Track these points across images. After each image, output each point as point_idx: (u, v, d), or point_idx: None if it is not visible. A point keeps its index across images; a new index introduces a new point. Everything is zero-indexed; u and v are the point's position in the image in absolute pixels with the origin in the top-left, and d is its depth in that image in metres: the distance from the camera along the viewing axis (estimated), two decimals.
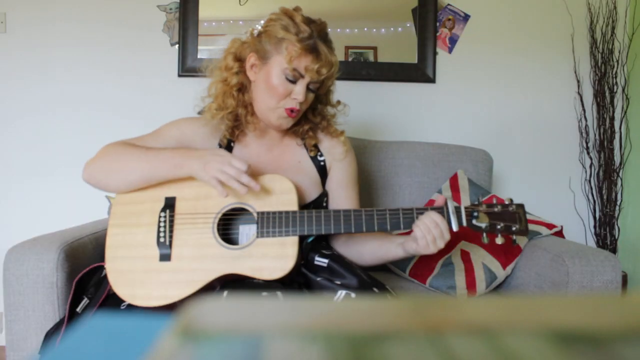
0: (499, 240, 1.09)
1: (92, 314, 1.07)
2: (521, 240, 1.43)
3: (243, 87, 1.21)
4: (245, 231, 1.14)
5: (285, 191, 1.11)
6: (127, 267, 1.08)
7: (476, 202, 1.11)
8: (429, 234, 1.05)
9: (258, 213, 1.09)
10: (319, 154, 1.27)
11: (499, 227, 1.08)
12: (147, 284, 1.06)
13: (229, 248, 1.08)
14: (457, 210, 1.09)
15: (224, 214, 1.12)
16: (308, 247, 1.15)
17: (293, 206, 1.10)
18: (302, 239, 1.12)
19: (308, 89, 1.16)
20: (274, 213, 1.08)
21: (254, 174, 1.17)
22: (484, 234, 1.09)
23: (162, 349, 0.19)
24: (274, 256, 1.06)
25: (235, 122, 1.22)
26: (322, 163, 1.27)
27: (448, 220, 1.07)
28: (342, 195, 1.29)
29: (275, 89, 1.14)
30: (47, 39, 1.96)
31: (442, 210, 1.09)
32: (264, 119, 1.20)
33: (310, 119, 1.26)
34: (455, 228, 1.07)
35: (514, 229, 1.09)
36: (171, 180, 1.12)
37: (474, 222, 1.08)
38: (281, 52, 1.13)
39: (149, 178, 1.11)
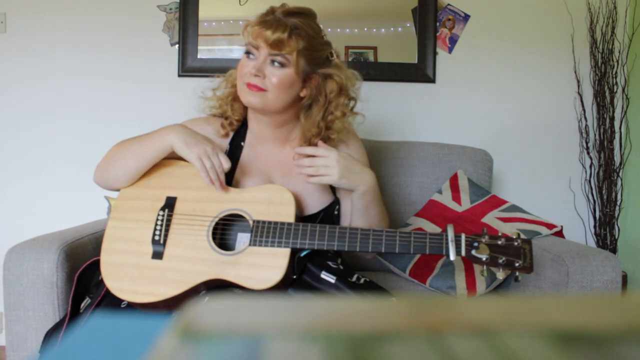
0: (500, 275, 1.05)
1: (90, 312, 1.07)
2: None
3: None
4: (243, 238, 1.14)
5: (284, 202, 1.10)
6: (119, 261, 1.09)
7: (481, 233, 1.07)
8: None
9: (254, 221, 1.08)
10: None
11: (500, 261, 1.04)
12: (136, 279, 1.07)
13: (220, 253, 1.07)
14: (457, 239, 1.06)
15: (225, 219, 1.12)
16: (303, 261, 1.13)
17: (290, 218, 1.09)
18: (295, 252, 1.11)
19: (272, 63, 1.12)
20: (269, 223, 1.08)
21: (262, 176, 1.20)
22: (484, 267, 1.06)
23: (162, 349, 0.19)
24: (263, 266, 1.05)
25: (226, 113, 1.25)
26: None
27: (446, 248, 1.05)
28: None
29: (240, 69, 1.16)
30: (47, 38, 1.96)
31: (441, 237, 1.06)
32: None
33: (317, 121, 1.22)
34: (452, 257, 1.04)
35: (517, 264, 1.04)
36: (175, 179, 1.13)
37: (473, 252, 1.05)
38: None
39: (141, 158, 1.12)
